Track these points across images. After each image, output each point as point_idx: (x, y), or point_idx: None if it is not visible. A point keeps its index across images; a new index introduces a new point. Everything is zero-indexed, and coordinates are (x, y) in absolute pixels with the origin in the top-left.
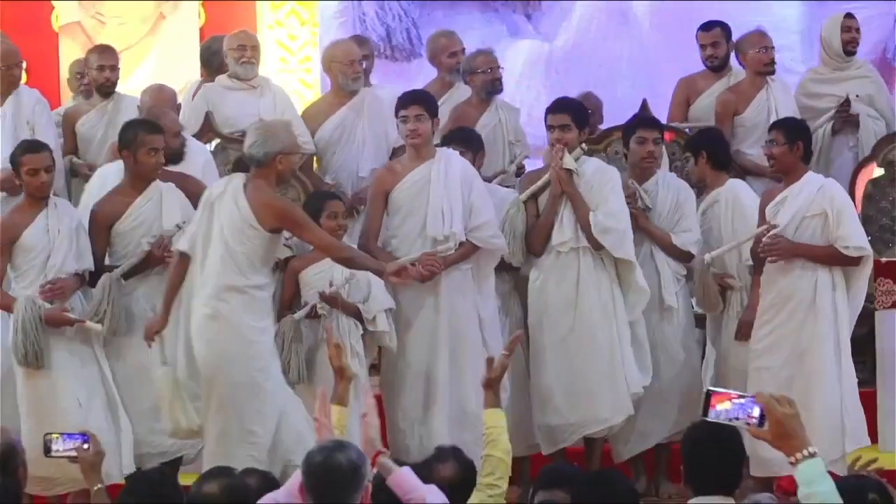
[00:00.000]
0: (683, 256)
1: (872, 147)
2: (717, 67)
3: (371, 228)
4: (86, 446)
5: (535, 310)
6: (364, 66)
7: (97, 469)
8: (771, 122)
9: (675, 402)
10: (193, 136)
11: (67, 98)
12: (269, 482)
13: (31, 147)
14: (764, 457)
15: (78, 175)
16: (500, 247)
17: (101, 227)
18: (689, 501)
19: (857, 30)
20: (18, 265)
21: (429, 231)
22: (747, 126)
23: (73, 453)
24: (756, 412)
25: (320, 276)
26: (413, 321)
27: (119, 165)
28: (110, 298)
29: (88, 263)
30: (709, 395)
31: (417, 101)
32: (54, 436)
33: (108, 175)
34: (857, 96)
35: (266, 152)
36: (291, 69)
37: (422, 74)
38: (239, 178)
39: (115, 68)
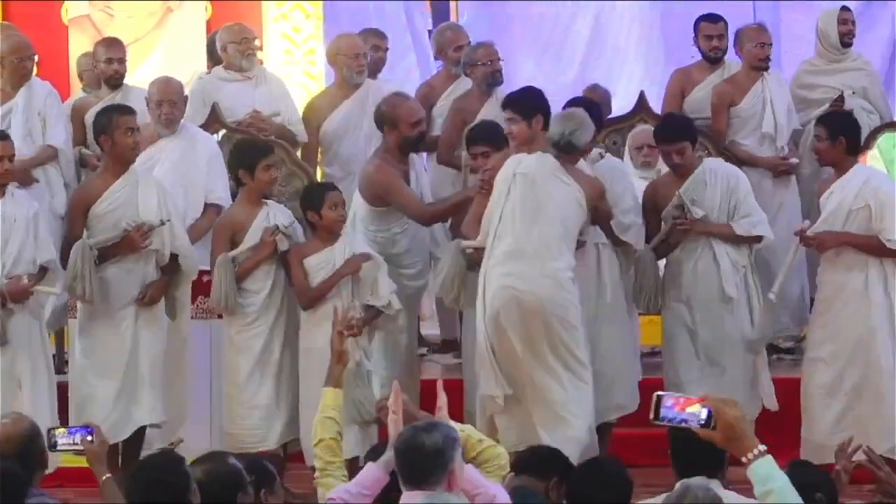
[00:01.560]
0: (753, 241)
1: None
2: (717, 59)
3: (478, 213)
4: (90, 438)
5: None
6: (371, 57)
7: (103, 460)
8: (766, 112)
9: (742, 388)
10: (200, 126)
11: (77, 90)
12: (257, 466)
13: None
14: (818, 443)
15: (87, 165)
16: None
17: (79, 210)
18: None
19: (854, 22)
20: None
21: None
22: (743, 117)
23: (79, 446)
24: (704, 414)
25: (323, 263)
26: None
27: None
28: (85, 265)
29: (49, 254)
30: (658, 398)
31: (509, 105)
32: (59, 430)
33: None
34: (853, 92)
35: (586, 140)
36: (296, 61)
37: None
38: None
39: (122, 61)
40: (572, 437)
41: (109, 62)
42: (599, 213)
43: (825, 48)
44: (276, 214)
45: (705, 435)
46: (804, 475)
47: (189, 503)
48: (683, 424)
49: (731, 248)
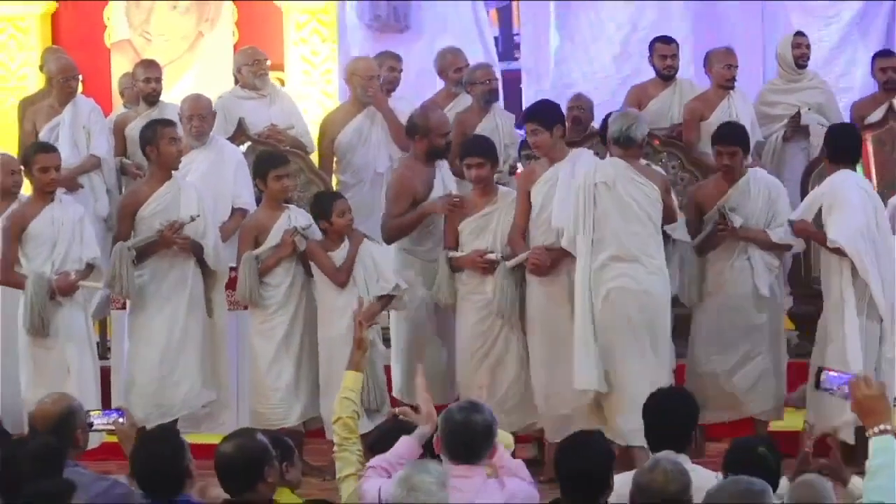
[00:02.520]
0: (785, 248)
1: (820, 149)
2: (670, 77)
3: (518, 223)
4: (121, 420)
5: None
6: (386, 77)
7: (132, 440)
8: None
9: (772, 381)
10: (228, 139)
11: (118, 106)
12: (279, 442)
13: (43, 147)
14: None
15: (127, 173)
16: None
17: (127, 214)
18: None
19: (808, 46)
20: (27, 251)
21: (553, 223)
22: (710, 131)
23: (111, 426)
24: (846, 389)
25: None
26: (535, 308)
27: None
28: (123, 265)
29: (94, 252)
30: (819, 370)
31: (531, 118)
32: (94, 412)
33: None
34: (809, 108)
35: (642, 133)
36: (314, 81)
37: (413, 44)
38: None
39: (159, 80)
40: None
41: (147, 81)
42: (664, 207)
43: (784, 69)
44: (297, 217)
45: (852, 406)
46: (749, 438)
47: (186, 469)
48: (833, 393)
49: (765, 251)
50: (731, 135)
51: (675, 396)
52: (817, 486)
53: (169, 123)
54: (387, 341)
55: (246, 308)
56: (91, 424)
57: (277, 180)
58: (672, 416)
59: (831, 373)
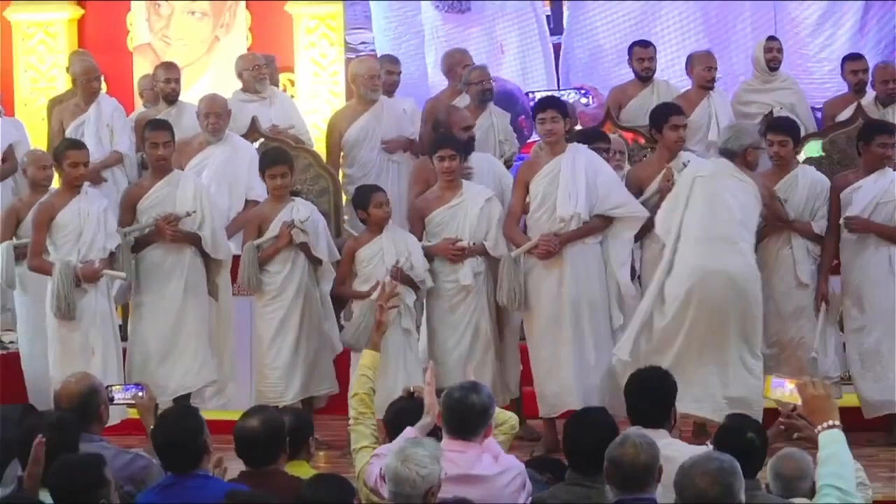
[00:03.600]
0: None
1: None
2: (647, 78)
3: (513, 212)
4: (141, 394)
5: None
6: (386, 80)
7: (151, 412)
8: (711, 124)
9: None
10: (242, 136)
11: (140, 105)
12: (301, 420)
13: (74, 144)
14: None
15: (147, 167)
16: (642, 215)
17: (129, 205)
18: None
19: (779, 50)
20: (55, 240)
21: (558, 212)
22: (693, 128)
23: (132, 400)
24: (795, 392)
25: (373, 253)
26: (541, 294)
27: None
28: (120, 249)
29: (117, 241)
30: (768, 378)
31: (553, 106)
32: (116, 387)
33: None
34: (781, 107)
35: (740, 145)
36: (323, 81)
37: (473, 27)
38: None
39: (178, 81)
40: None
41: (167, 82)
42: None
43: (758, 71)
44: (300, 209)
45: (801, 406)
46: (740, 422)
47: (204, 444)
48: (786, 398)
49: (808, 240)
50: (782, 125)
51: (655, 376)
52: (797, 458)
53: (156, 126)
54: None
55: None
56: (112, 398)
57: (271, 178)
58: (652, 395)
59: (776, 379)
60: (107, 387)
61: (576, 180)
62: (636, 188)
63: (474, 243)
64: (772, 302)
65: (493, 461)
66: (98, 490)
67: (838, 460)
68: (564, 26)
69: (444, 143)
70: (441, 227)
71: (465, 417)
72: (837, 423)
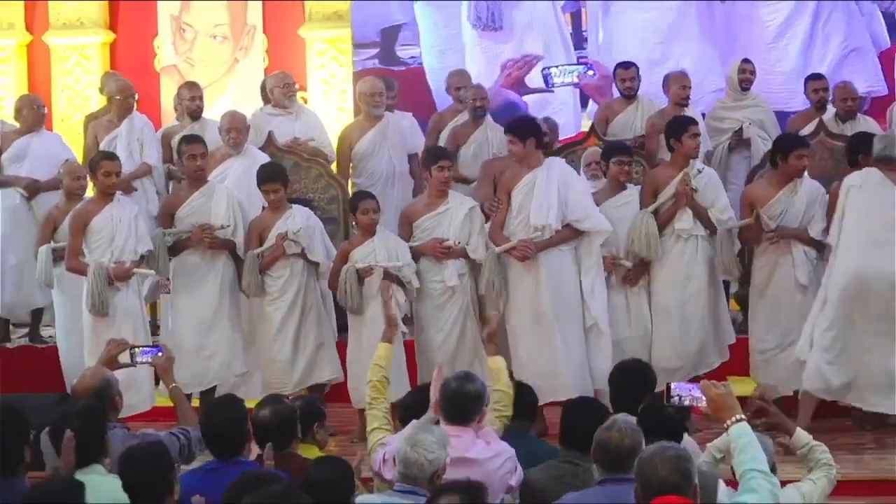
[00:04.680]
0: (816, 244)
1: (761, 158)
2: (631, 95)
3: (497, 221)
4: (161, 354)
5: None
6: (389, 98)
7: (171, 372)
8: None
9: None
10: (259, 149)
11: (172, 121)
12: (313, 408)
13: (108, 156)
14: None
15: (173, 178)
16: (605, 229)
17: (166, 213)
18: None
19: (752, 72)
20: (90, 243)
21: (531, 222)
22: None
23: (151, 361)
24: (698, 393)
25: (365, 253)
26: (518, 291)
27: None
28: (157, 247)
29: (147, 245)
30: (668, 385)
31: (509, 131)
32: (137, 349)
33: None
34: (750, 123)
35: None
36: (332, 99)
37: (506, 43)
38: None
39: (201, 98)
40: None
41: (192, 100)
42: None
43: (731, 90)
44: (295, 219)
45: (707, 405)
46: (660, 400)
47: (248, 431)
48: (687, 401)
49: (806, 246)
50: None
51: (635, 368)
52: (762, 443)
53: (192, 140)
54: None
55: None
56: (134, 360)
57: (266, 193)
58: (633, 385)
59: (677, 384)
60: (129, 350)
61: (549, 193)
62: (652, 192)
63: (459, 242)
64: (769, 296)
65: (486, 446)
66: (168, 474)
67: (753, 447)
68: (587, 41)
69: (442, 155)
70: (428, 231)
71: (461, 405)
72: (743, 416)
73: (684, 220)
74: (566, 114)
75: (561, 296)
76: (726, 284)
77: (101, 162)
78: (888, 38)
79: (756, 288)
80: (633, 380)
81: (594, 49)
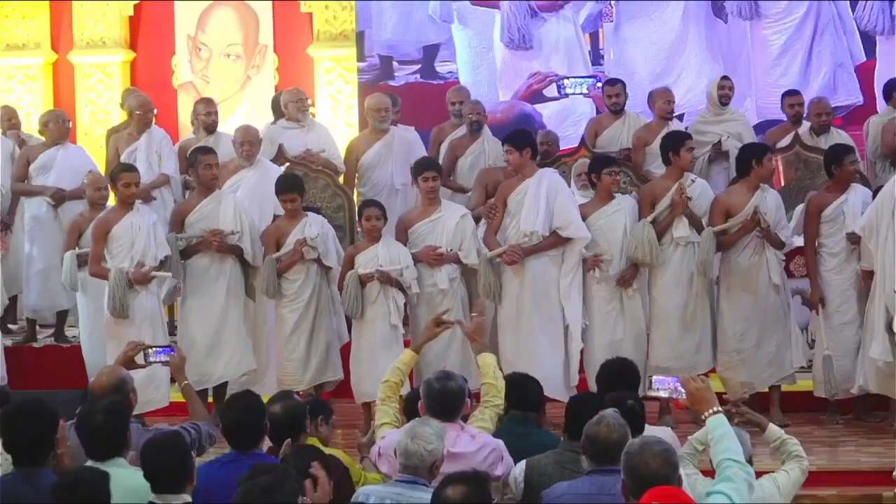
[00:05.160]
0: (783, 245)
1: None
2: (618, 111)
3: (493, 226)
4: (173, 354)
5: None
6: (394, 113)
7: (183, 371)
8: None
9: (772, 351)
10: (271, 160)
11: (188, 135)
12: (320, 405)
13: (127, 167)
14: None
15: (190, 188)
16: (584, 237)
17: (177, 220)
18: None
19: (731, 88)
20: (111, 249)
21: (521, 227)
22: (654, 153)
23: (165, 360)
24: (678, 385)
25: (369, 257)
26: (506, 293)
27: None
28: (171, 249)
29: (165, 251)
30: (649, 378)
31: (506, 141)
32: (150, 350)
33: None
34: (728, 136)
35: None
36: (339, 114)
37: (534, 60)
38: None
39: (216, 113)
40: None
41: (208, 114)
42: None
43: (711, 105)
44: (311, 226)
45: (685, 401)
46: (620, 393)
47: (265, 425)
48: (667, 393)
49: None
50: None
51: (621, 366)
52: (740, 436)
53: (207, 151)
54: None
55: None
56: (148, 360)
57: (283, 202)
58: (619, 381)
59: (658, 377)
60: (144, 350)
61: (538, 201)
62: (650, 203)
63: (451, 249)
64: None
65: (471, 439)
66: (187, 461)
67: (729, 438)
68: (604, 58)
69: (428, 166)
70: (422, 238)
71: (445, 402)
72: (720, 408)
73: (681, 228)
74: (584, 124)
75: (543, 299)
76: None
77: (121, 173)
78: (863, 54)
79: (731, 289)
80: (617, 377)
81: (609, 65)
